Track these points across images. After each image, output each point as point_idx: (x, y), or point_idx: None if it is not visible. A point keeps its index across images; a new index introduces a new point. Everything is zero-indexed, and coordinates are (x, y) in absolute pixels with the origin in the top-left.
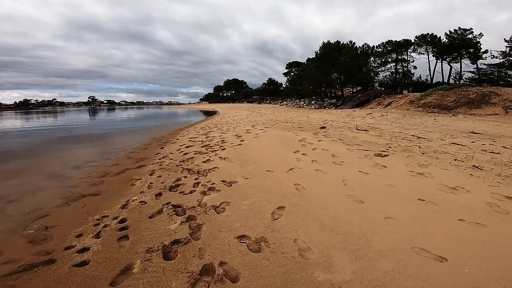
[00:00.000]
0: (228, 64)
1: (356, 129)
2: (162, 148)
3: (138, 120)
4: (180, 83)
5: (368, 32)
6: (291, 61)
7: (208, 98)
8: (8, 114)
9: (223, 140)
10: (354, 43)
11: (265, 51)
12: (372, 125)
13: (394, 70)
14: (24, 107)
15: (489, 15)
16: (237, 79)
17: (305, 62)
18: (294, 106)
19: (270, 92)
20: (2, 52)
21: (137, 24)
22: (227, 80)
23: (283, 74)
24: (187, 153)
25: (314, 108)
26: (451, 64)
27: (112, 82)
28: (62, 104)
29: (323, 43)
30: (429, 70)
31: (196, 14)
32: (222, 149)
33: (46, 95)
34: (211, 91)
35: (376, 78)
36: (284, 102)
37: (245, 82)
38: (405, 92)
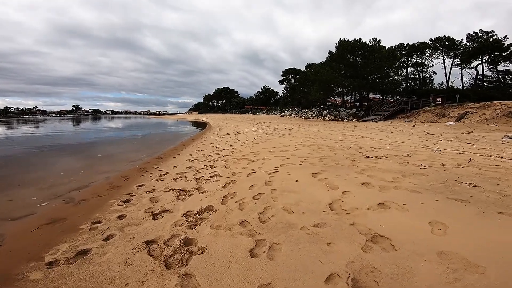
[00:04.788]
0: (218, 73)
1: None
2: None
3: (91, 135)
4: (170, 92)
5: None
6: (287, 68)
7: (197, 108)
8: None
9: None
10: (380, 40)
11: (255, 60)
12: None
13: (412, 76)
14: (3, 115)
15: (472, 23)
16: (228, 88)
17: (305, 68)
18: (301, 117)
19: (264, 101)
20: None
21: (126, 31)
22: (218, 89)
23: (279, 82)
24: None
25: (330, 120)
26: (477, 69)
27: (99, 91)
28: (44, 112)
29: (340, 40)
30: (445, 75)
31: (186, 21)
32: None
33: (30, 103)
34: (201, 101)
35: (403, 83)
36: (286, 113)
37: (236, 91)
38: (438, 100)
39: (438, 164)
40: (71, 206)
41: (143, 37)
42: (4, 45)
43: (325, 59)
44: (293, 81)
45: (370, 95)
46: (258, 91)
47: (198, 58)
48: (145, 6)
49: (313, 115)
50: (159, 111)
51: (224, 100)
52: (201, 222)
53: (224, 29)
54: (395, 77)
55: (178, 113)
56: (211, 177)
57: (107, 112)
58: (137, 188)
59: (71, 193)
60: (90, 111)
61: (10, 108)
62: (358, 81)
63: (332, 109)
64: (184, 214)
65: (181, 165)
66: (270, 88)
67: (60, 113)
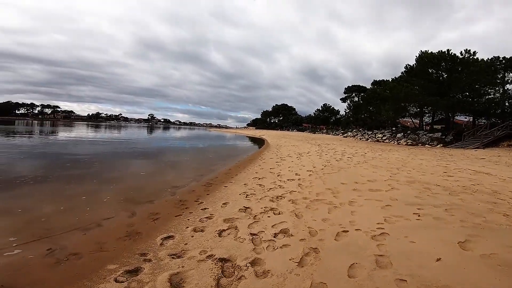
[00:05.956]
0: (276, 89)
1: None
2: None
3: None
4: (230, 106)
5: None
6: (350, 85)
7: (255, 123)
8: (75, 125)
9: None
10: (475, 52)
11: (313, 76)
12: None
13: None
14: (94, 119)
15: None
16: (286, 105)
17: (371, 85)
18: (368, 139)
19: (323, 120)
20: (83, 67)
21: (193, 45)
22: (276, 105)
23: (341, 99)
24: None
25: (407, 145)
26: None
27: (170, 102)
28: (126, 119)
29: (421, 52)
30: None
31: (245, 36)
32: None
33: (117, 110)
34: (259, 116)
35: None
36: (349, 133)
37: (294, 108)
38: None
39: None
40: (48, 265)
41: (209, 51)
42: (100, 56)
43: (392, 75)
44: (356, 99)
45: (456, 118)
46: (317, 109)
47: (257, 73)
48: (209, 21)
49: (383, 138)
50: (220, 124)
51: (282, 117)
52: None
53: (281, 45)
54: (497, 95)
55: (236, 127)
56: (275, 235)
57: (175, 122)
58: (161, 244)
59: (68, 236)
60: (162, 120)
61: (100, 113)
62: (446, 99)
63: (409, 132)
64: None
65: (233, 203)
66: (330, 106)
67: (138, 120)
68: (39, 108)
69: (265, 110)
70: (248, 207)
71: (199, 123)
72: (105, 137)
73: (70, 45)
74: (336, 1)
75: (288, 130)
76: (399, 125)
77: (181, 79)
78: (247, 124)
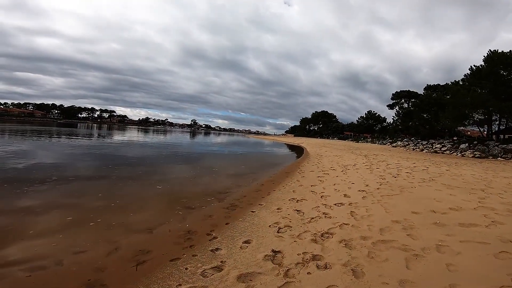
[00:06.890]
0: (315, 96)
1: None
2: None
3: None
4: (268, 113)
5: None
6: (397, 90)
7: (293, 130)
8: (127, 128)
9: None
10: None
11: (355, 82)
12: None
13: None
14: (144, 123)
15: None
16: (326, 112)
17: (424, 91)
18: (423, 150)
19: (367, 128)
20: (136, 74)
21: (233, 53)
22: (315, 112)
23: (388, 106)
24: None
25: (474, 158)
26: None
27: (211, 108)
28: (171, 124)
29: (490, 52)
30: None
31: (283, 43)
32: None
33: (163, 115)
34: (297, 123)
35: None
36: (399, 143)
37: (335, 116)
38: None
39: None
40: None
41: (247, 58)
42: (150, 64)
43: (445, 79)
44: (406, 105)
45: None
46: (361, 116)
47: (295, 79)
48: (247, 29)
49: (442, 149)
50: (258, 131)
51: (322, 125)
52: None
53: (319, 50)
54: None
55: (274, 134)
56: None
57: (216, 128)
58: None
59: (5, 276)
60: (204, 126)
61: (149, 118)
62: None
63: (475, 142)
64: None
65: (257, 241)
66: (376, 113)
67: (182, 126)
68: (98, 113)
69: (304, 117)
70: (279, 251)
71: (238, 130)
72: (149, 141)
73: (125, 54)
74: (378, 4)
75: (328, 138)
76: (461, 134)
77: (222, 86)
78: (285, 131)
